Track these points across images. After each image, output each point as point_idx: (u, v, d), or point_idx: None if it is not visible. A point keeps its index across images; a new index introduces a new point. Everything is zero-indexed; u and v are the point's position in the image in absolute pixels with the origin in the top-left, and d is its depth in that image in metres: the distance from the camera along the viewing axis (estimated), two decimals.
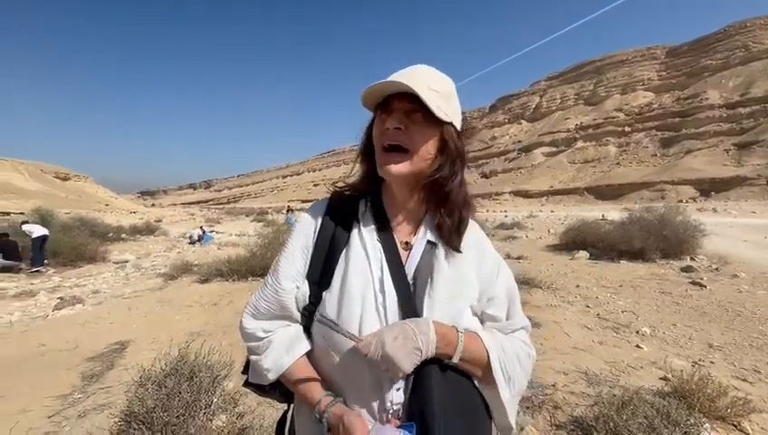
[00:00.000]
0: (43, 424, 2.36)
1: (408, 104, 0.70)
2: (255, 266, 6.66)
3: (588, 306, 4.68)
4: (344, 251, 0.77)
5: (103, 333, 4.06)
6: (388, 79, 0.70)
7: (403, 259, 0.77)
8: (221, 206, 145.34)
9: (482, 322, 0.80)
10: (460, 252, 0.79)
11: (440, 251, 0.78)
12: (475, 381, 0.74)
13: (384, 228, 0.79)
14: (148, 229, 17.82)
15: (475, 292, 0.79)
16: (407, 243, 0.79)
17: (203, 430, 1.89)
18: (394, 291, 0.73)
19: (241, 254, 7.21)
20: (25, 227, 8.86)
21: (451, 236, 0.78)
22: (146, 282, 7.26)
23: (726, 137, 51.96)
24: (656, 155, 57.68)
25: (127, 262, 9.79)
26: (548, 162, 70.74)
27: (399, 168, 0.71)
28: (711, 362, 3.06)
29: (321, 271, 0.78)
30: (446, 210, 0.78)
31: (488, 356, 0.72)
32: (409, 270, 0.76)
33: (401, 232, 0.80)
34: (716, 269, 6.32)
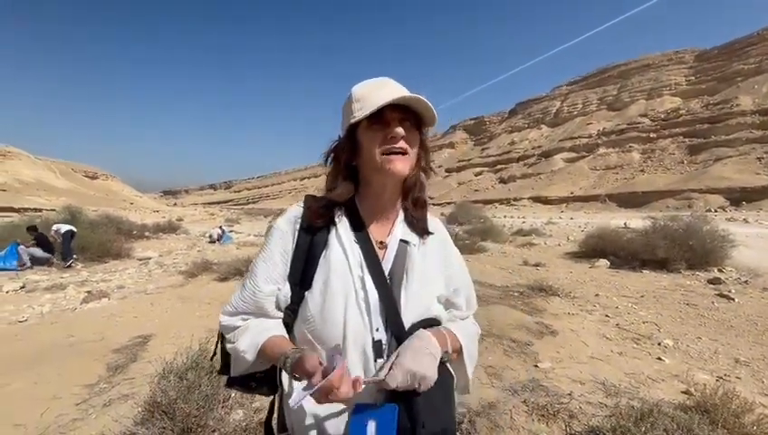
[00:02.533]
0: (71, 411, 2.47)
1: (401, 114, 0.79)
2: None
3: (607, 316, 4.56)
4: (323, 253, 0.82)
5: (127, 327, 4.22)
6: (404, 95, 0.76)
7: (380, 258, 0.84)
8: (240, 206, 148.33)
9: (446, 307, 0.92)
10: (429, 235, 0.90)
11: (412, 248, 0.87)
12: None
13: (360, 230, 0.85)
14: (171, 228, 18.35)
15: (442, 284, 0.90)
16: (381, 242, 0.86)
17: (221, 422, 1.96)
18: (374, 288, 0.80)
19: None
20: (54, 227, 9.22)
21: (421, 228, 0.89)
22: (167, 279, 7.48)
23: (759, 144, 49.69)
24: (683, 162, 55.70)
25: (150, 259, 10.11)
26: (568, 168, 69.26)
27: (403, 167, 0.80)
28: (737, 378, 2.94)
29: (302, 272, 0.83)
30: (417, 205, 0.89)
31: (460, 345, 0.86)
32: (386, 267, 0.83)
33: (376, 232, 0.87)
34: (746, 282, 6.06)
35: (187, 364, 2.14)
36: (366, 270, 0.81)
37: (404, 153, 0.79)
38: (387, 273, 0.83)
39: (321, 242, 0.83)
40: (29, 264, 8.25)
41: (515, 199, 61.75)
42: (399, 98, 0.75)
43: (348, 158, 0.84)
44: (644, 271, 7.09)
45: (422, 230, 0.89)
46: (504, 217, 34.65)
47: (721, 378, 2.92)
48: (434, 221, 0.94)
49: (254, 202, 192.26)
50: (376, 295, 0.79)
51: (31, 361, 3.27)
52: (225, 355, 0.91)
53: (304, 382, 0.68)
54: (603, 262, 7.89)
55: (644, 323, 4.31)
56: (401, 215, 0.89)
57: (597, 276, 6.86)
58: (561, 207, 54.50)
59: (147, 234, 15.56)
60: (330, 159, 0.87)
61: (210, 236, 14.92)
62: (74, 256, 8.95)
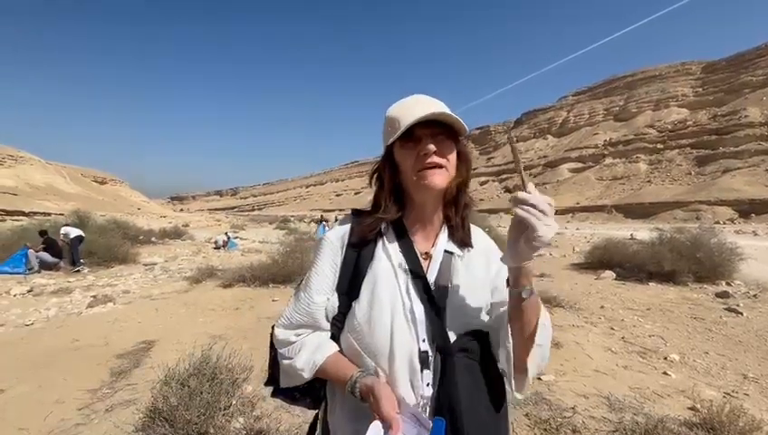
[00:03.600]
0: (74, 415, 2.49)
1: (432, 129, 0.80)
2: (277, 274, 6.80)
3: (612, 328, 4.51)
4: (370, 264, 0.84)
5: (132, 332, 4.24)
6: (428, 111, 0.77)
7: (425, 269, 0.84)
8: (246, 213, 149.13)
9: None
10: (472, 247, 0.89)
11: (456, 259, 0.87)
12: (501, 368, 0.82)
13: (405, 242, 0.87)
14: (177, 233, 18.51)
15: (488, 294, 0.88)
16: (426, 253, 0.87)
17: (221, 430, 1.96)
18: (419, 298, 0.81)
19: (263, 261, 7.38)
20: (63, 230, 9.38)
21: (464, 237, 0.89)
22: (172, 284, 7.53)
23: None
24: (690, 173, 55.21)
25: (155, 264, 10.18)
26: (574, 178, 68.98)
27: (441, 180, 0.80)
28: (745, 395, 2.89)
29: (350, 283, 0.85)
30: (461, 213, 0.89)
31: (538, 316, 0.77)
32: (431, 278, 0.84)
33: (421, 244, 0.88)
34: (755, 296, 5.96)
35: (189, 371, 2.15)
36: (411, 281, 0.82)
37: (439, 166, 0.80)
38: (432, 284, 0.83)
39: (368, 254, 0.86)
40: (37, 268, 8.35)
41: None
42: (423, 116, 0.77)
43: (390, 178, 0.87)
44: (650, 283, 7.01)
45: (464, 241, 0.89)
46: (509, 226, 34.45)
47: (728, 394, 2.87)
48: (477, 232, 0.95)
49: (259, 209, 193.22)
50: (421, 306, 0.80)
51: (37, 364, 3.30)
52: (272, 366, 0.95)
53: (378, 425, 0.70)
54: (609, 273, 7.81)
55: (650, 336, 4.25)
56: (445, 226, 0.91)
57: (602, 288, 6.79)
58: (566, 217, 54.12)
59: (153, 239, 15.70)
60: (374, 180, 0.91)
61: (216, 243, 15.01)
62: (82, 260, 9.05)
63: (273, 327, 0.90)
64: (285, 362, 0.86)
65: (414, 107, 0.80)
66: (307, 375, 0.82)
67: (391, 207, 0.87)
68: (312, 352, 0.83)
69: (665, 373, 3.23)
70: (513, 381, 0.79)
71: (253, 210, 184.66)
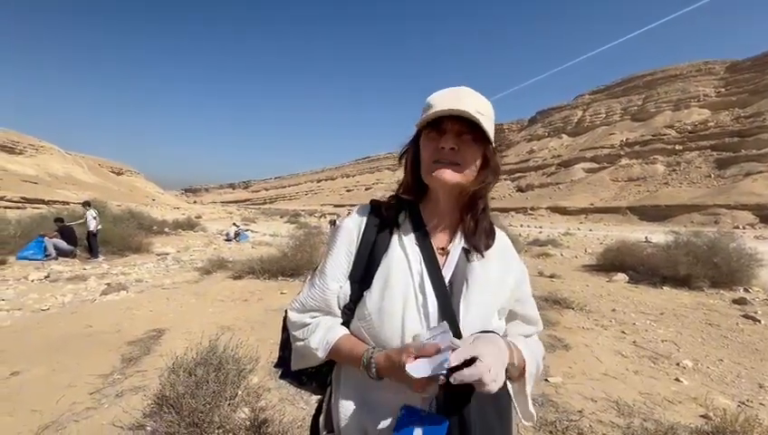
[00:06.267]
0: (85, 399, 2.54)
1: (460, 127, 0.78)
2: (286, 267, 6.85)
3: (623, 332, 4.43)
4: (385, 254, 0.84)
5: (143, 320, 4.33)
6: (454, 107, 0.76)
7: (440, 264, 0.83)
8: (257, 206, 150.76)
9: (508, 320, 0.90)
10: (488, 247, 0.87)
11: (474, 257, 0.85)
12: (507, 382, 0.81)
13: (422, 235, 0.85)
14: (189, 225, 18.80)
15: (503, 295, 0.86)
16: (443, 249, 0.86)
17: (226, 419, 1.97)
18: (433, 293, 0.79)
19: (273, 254, 7.44)
20: (88, 214, 9.30)
21: (481, 240, 0.86)
22: (183, 274, 7.66)
23: None
24: (710, 176, 53.79)
25: (168, 254, 10.37)
26: (588, 178, 67.80)
27: (451, 177, 0.79)
28: (760, 404, 2.80)
29: (363, 272, 0.84)
30: (476, 218, 0.87)
31: (525, 364, 0.81)
32: (446, 274, 0.82)
33: (438, 239, 0.87)
34: None
35: (196, 360, 2.18)
36: (426, 274, 0.81)
37: (454, 164, 0.79)
38: (447, 280, 0.82)
39: (383, 243, 0.85)
40: (54, 254, 8.58)
41: (532, 209, 60.74)
42: (446, 109, 0.75)
43: (412, 160, 0.86)
44: (664, 287, 6.86)
45: (482, 243, 0.87)
46: (521, 226, 34.15)
47: (743, 403, 2.79)
48: (498, 234, 0.92)
49: (270, 202, 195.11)
50: (435, 301, 0.79)
51: (51, 349, 3.39)
52: (282, 348, 0.96)
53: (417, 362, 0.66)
54: (621, 276, 7.66)
55: (662, 341, 4.16)
56: (462, 224, 0.89)
57: (614, 291, 6.67)
58: (579, 218, 53.33)
59: (166, 230, 15.98)
60: (402, 160, 0.90)
61: (227, 235, 15.21)
62: (100, 250, 9.27)
63: (286, 311, 0.91)
64: (299, 343, 0.86)
65: (449, 98, 0.79)
66: (321, 354, 0.82)
67: (411, 187, 0.86)
68: (325, 333, 0.83)
69: (677, 380, 3.16)
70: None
71: (264, 203, 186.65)
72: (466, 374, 0.62)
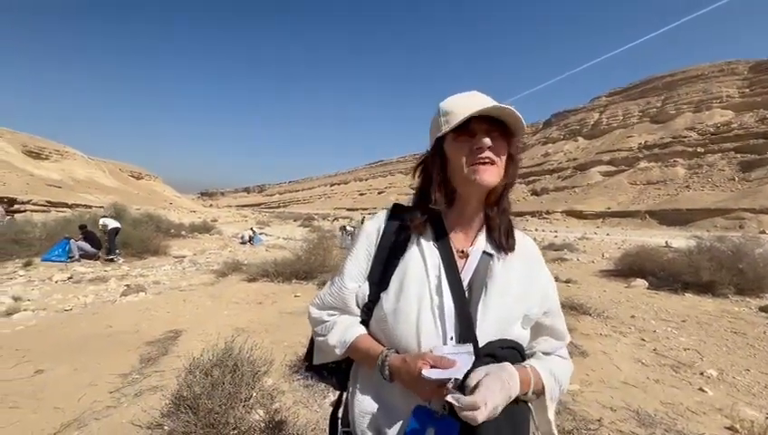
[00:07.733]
0: (105, 398, 2.61)
1: (488, 126, 0.79)
2: (299, 270, 6.91)
3: (643, 339, 4.30)
4: (403, 256, 0.85)
5: (161, 321, 4.42)
6: (488, 105, 0.76)
7: (459, 267, 0.83)
8: (272, 209, 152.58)
9: (533, 332, 0.87)
10: (511, 249, 0.86)
11: (495, 261, 0.84)
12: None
13: (441, 237, 0.85)
14: (205, 228, 19.14)
15: (527, 303, 0.83)
16: (463, 251, 0.85)
17: (242, 421, 2.00)
18: (450, 295, 0.79)
19: (287, 257, 7.51)
20: (102, 221, 9.92)
21: (502, 239, 0.85)
22: (200, 277, 7.79)
23: None
24: (734, 179, 52.01)
25: (185, 257, 10.57)
26: (606, 182, 66.41)
27: (492, 177, 0.79)
28: None
29: (381, 273, 0.86)
30: (503, 213, 0.87)
31: (543, 387, 0.80)
32: (465, 277, 0.82)
33: (458, 241, 0.87)
34: None
35: (212, 361, 2.21)
36: (444, 277, 0.80)
37: (492, 163, 0.79)
38: (466, 283, 0.81)
39: (402, 246, 0.86)
40: (77, 256, 8.85)
41: (548, 212, 59.74)
42: (484, 109, 0.76)
43: (439, 170, 0.85)
44: (686, 294, 6.64)
45: (505, 244, 0.86)
46: (536, 230, 33.65)
47: None
48: (521, 236, 0.91)
49: (285, 206, 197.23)
50: (451, 304, 0.78)
51: (73, 348, 3.49)
52: (310, 343, 1.00)
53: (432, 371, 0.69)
54: (641, 282, 7.46)
55: (685, 349, 4.02)
56: (484, 227, 0.88)
57: (633, 297, 6.49)
58: (596, 222, 52.19)
59: (183, 233, 16.30)
60: (418, 173, 0.90)
61: (242, 238, 15.43)
62: (117, 251, 9.52)
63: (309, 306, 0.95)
64: (319, 339, 0.90)
65: (471, 101, 0.80)
66: (339, 352, 0.85)
67: (441, 200, 0.85)
68: (343, 331, 0.85)
69: (701, 390, 3.05)
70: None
71: (278, 207, 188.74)
72: (463, 401, 0.64)
